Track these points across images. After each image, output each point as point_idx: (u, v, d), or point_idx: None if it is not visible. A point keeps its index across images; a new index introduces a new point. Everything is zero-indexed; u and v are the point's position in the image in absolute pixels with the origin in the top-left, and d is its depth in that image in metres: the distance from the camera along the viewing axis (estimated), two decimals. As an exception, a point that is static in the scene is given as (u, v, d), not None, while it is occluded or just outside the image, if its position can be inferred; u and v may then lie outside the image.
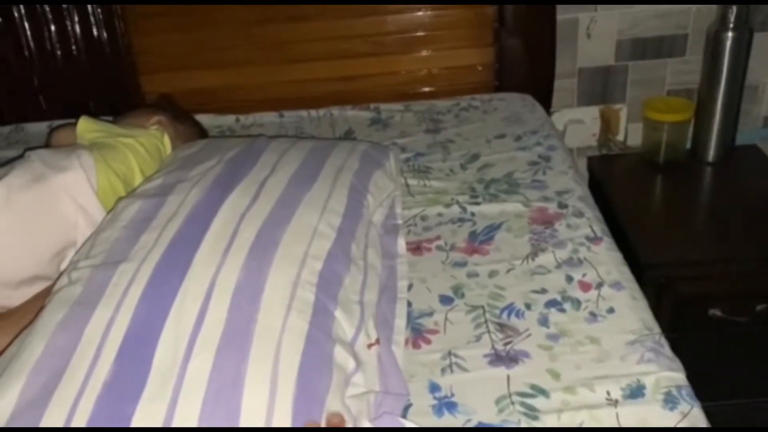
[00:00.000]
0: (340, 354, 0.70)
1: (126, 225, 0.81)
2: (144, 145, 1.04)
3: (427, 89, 1.50)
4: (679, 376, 0.76)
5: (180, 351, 0.64)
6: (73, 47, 1.41)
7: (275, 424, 0.61)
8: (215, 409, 0.61)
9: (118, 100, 1.42)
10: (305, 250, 0.77)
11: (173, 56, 1.48)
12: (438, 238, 1.03)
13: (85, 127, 1.05)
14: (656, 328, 0.83)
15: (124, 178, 0.99)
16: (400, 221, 1.03)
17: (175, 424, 0.60)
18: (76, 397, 0.61)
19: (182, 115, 1.21)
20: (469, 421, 0.72)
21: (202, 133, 1.23)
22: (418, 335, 0.85)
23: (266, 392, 0.62)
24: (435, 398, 0.75)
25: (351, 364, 0.71)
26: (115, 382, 0.62)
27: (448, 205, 1.10)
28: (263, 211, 0.80)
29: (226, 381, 0.62)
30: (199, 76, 1.49)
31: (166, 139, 1.10)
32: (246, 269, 0.72)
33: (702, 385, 0.85)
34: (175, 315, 0.67)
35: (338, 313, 0.74)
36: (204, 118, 1.37)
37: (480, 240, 1.01)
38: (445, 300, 0.90)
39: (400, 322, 0.85)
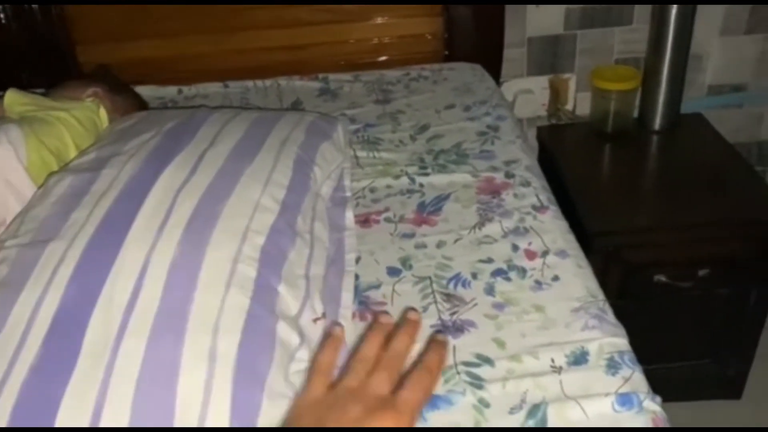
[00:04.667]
0: (283, 330, 0.69)
1: (56, 201, 0.77)
2: (78, 118, 1.00)
3: (376, 59, 1.48)
4: (621, 342, 0.76)
5: (112, 332, 0.62)
6: (1, 15, 1.34)
7: (214, 403, 0.59)
8: (150, 391, 0.59)
9: (53, 71, 1.36)
10: (246, 225, 0.75)
11: (112, 25, 1.41)
12: (387, 209, 1.02)
13: (13, 99, 1.00)
14: (600, 295, 0.83)
15: (57, 154, 0.94)
16: (348, 194, 1.01)
17: (107, 407, 0.58)
18: (1, 381, 0.58)
19: (120, 87, 1.16)
20: (415, 392, 0.72)
21: (141, 105, 1.18)
22: (365, 308, 0.84)
23: (203, 371, 0.60)
24: (381, 371, 0.75)
25: (295, 339, 0.70)
26: (43, 365, 0.59)
27: (397, 177, 1.08)
28: (201, 184, 0.77)
29: (161, 361, 0.60)
30: (139, 45, 1.43)
31: (103, 112, 1.06)
32: (182, 245, 0.69)
33: (648, 349, 0.87)
34: (107, 295, 0.65)
35: (282, 288, 0.72)
36: (145, 90, 1.32)
37: (428, 211, 1.00)
38: (392, 272, 0.89)
39: (347, 295, 0.84)
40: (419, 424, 0.68)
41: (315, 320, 0.75)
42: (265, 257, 0.73)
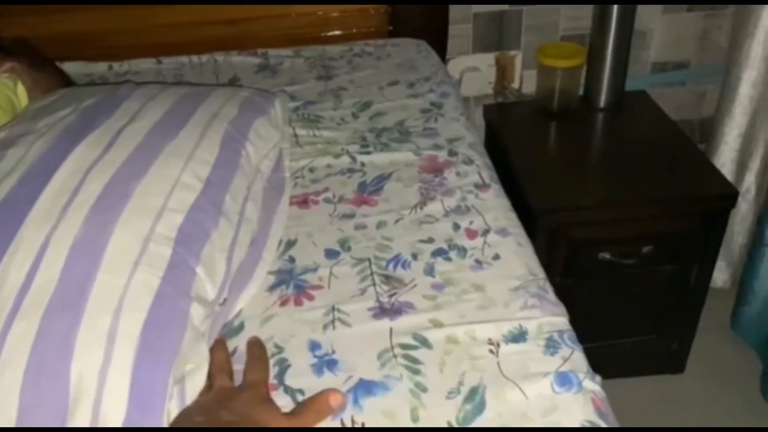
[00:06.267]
0: (197, 313, 0.65)
1: (-47, 185, 0.71)
2: (-10, 94, 0.93)
3: (318, 34, 1.43)
4: (561, 321, 0.75)
5: (1, 317, 0.57)
6: None
7: (110, 384, 0.56)
8: (40, 378, 0.55)
9: (-31, 46, 1.27)
10: (163, 203, 0.70)
11: (35, -4, 1.33)
12: (326, 190, 0.98)
13: None
14: (541, 274, 0.82)
15: (-34, 132, 0.87)
16: (287, 174, 0.97)
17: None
18: None
19: (41, 62, 1.09)
20: (350, 377, 0.69)
21: (66, 81, 1.11)
22: (300, 292, 0.80)
23: (100, 353, 0.56)
24: (315, 357, 0.71)
25: (208, 324, 0.66)
26: None
27: (337, 156, 1.05)
28: (115, 162, 0.72)
29: (53, 345, 0.56)
30: (66, 18, 1.35)
31: (21, 89, 0.99)
32: (87, 225, 0.64)
33: (592, 326, 0.86)
34: (-1, 277, 0.60)
35: (200, 270, 0.68)
36: (73, 66, 1.26)
37: (369, 191, 0.97)
38: (330, 254, 0.86)
39: (254, 283, 0.79)
40: (354, 412, 0.66)
41: (219, 305, 0.72)
42: (183, 237, 0.68)
